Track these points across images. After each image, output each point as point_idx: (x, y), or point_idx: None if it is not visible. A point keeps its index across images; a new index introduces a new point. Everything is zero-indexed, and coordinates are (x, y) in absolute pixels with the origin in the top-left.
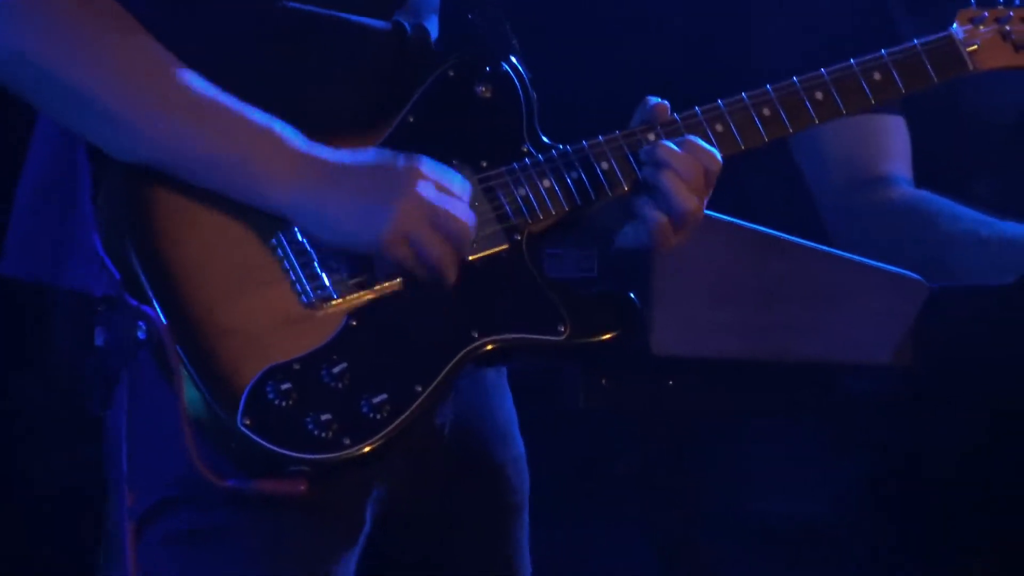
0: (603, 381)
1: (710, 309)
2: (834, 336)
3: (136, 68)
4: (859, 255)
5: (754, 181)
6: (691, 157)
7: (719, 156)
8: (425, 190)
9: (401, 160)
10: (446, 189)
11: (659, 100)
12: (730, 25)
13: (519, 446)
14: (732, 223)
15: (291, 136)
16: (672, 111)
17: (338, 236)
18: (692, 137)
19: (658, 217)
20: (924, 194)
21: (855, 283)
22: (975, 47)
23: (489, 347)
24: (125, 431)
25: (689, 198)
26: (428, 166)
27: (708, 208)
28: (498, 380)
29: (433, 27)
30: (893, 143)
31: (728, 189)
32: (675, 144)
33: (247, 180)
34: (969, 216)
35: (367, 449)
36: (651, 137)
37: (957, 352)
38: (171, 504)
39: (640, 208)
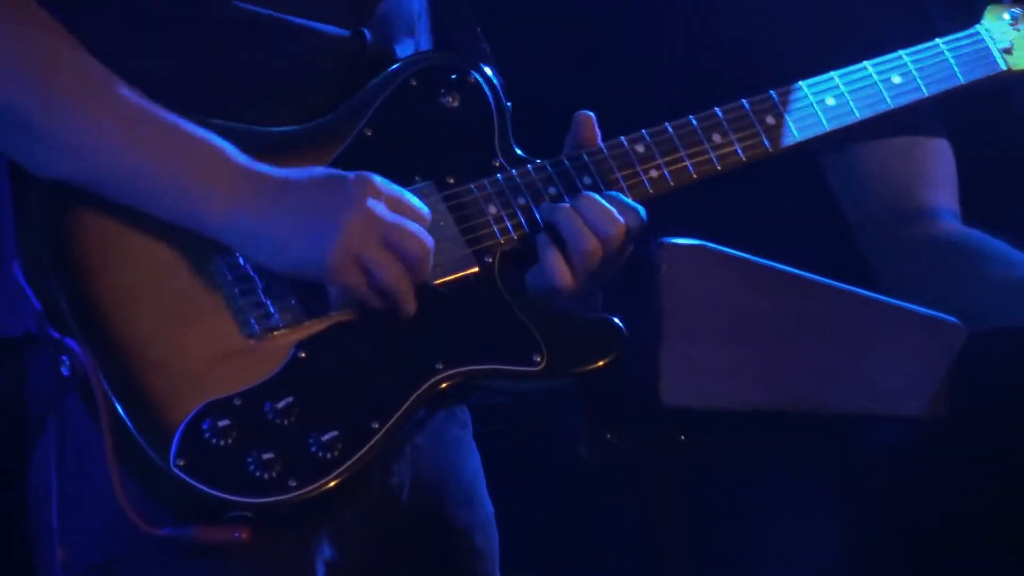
0: (608, 436)
1: (724, 354)
2: (861, 384)
3: (58, 75)
4: (897, 294)
5: (774, 210)
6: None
7: (642, 213)
8: (376, 207)
9: (351, 176)
10: (401, 204)
11: (586, 113)
12: (725, 25)
13: (486, 508)
14: (748, 259)
15: (229, 151)
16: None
17: (280, 260)
18: (615, 193)
19: (552, 255)
20: (974, 233)
21: (884, 326)
22: (1008, 45)
23: (455, 380)
24: (55, 482)
25: (587, 236)
26: (380, 181)
27: (723, 242)
28: (462, 436)
29: (406, 43)
30: (937, 169)
31: (745, 220)
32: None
33: (180, 198)
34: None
35: (316, 491)
36: (639, 148)
37: (997, 402)
38: (103, 570)
39: (541, 249)
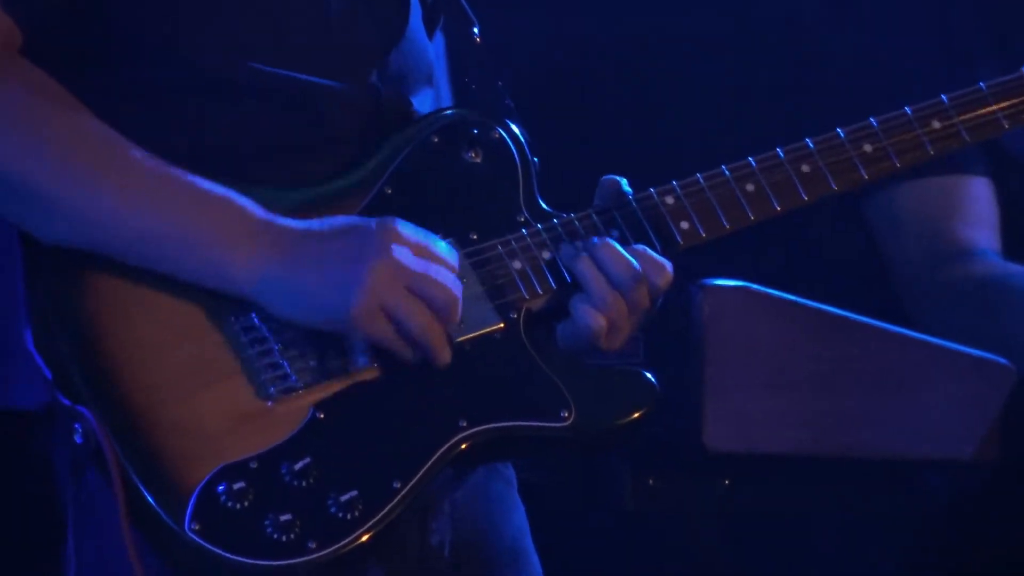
0: (651, 481)
1: (769, 399)
2: (909, 428)
3: (73, 145)
4: (939, 336)
5: (816, 253)
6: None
7: (668, 268)
8: (402, 254)
9: (374, 223)
10: (427, 252)
11: (611, 178)
12: (756, 73)
13: (533, 565)
14: (792, 301)
15: (250, 207)
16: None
17: (305, 312)
18: (641, 247)
19: (578, 306)
20: (1015, 268)
21: (932, 368)
22: None
23: (479, 438)
24: (73, 553)
25: (604, 286)
26: (405, 228)
27: (762, 280)
28: (505, 492)
29: (425, 93)
30: (977, 207)
31: (787, 263)
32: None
33: (204, 257)
34: None
35: (336, 552)
36: (668, 200)
37: None
38: None
39: (571, 304)
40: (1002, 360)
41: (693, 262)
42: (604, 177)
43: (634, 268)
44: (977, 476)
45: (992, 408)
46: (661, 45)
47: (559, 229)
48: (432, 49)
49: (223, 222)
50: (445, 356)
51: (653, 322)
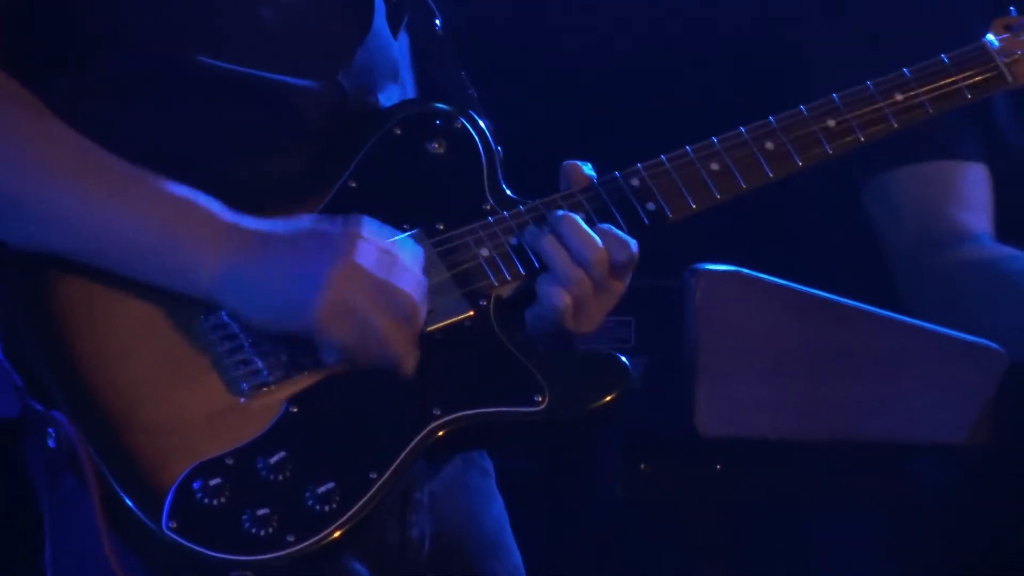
0: (642, 467)
1: (762, 384)
2: (902, 413)
3: (33, 144)
4: (933, 322)
5: (809, 238)
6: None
7: (632, 246)
8: (365, 256)
9: (338, 224)
10: (390, 253)
11: (573, 163)
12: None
13: (512, 557)
14: (784, 286)
15: (215, 208)
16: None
17: (268, 314)
18: (606, 226)
19: (543, 286)
20: (1010, 251)
21: (926, 354)
22: (1015, 58)
23: (454, 425)
24: (50, 559)
25: (567, 262)
26: (369, 228)
27: (756, 267)
28: (483, 484)
29: (391, 90)
30: (975, 193)
31: (781, 248)
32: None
33: (168, 260)
34: None
35: (315, 545)
36: (634, 182)
37: None
38: None
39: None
40: (993, 345)
41: (687, 248)
42: (566, 162)
43: (595, 242)
44: (968, 461)
45: (983, 393)
46: (633, 32)
47: (525, 215)
48: (397, 47)
49: (187, 224)
50: (410, 360)
51: (646, 307)
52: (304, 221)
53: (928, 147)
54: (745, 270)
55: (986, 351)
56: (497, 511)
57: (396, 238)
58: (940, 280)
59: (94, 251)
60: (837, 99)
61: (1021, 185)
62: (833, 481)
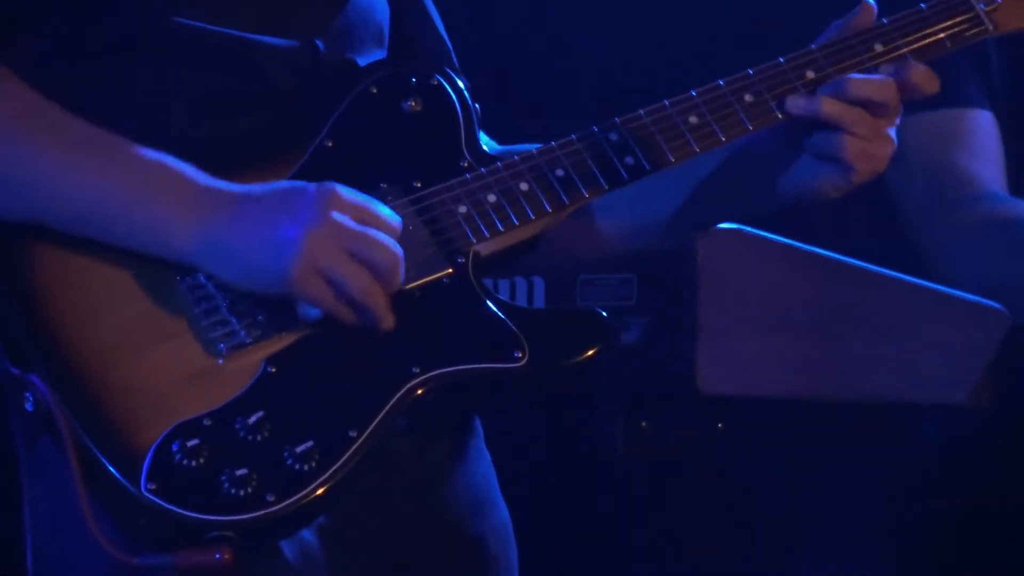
0: (643, 424)
1: (763, 341)
2: (902, 373)
3: None
4: (947, 280)
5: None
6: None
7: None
8: (341, 217)
9: (312, 187)
10: (367, 213)
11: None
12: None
13: (501, 513)
14: (787, 244)
15: (187, 171)
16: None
17: (243, 275)
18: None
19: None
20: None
21: (927, 313)
22: (994, 5)
23: (433, 383)
24: (29, 521)
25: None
26: (344, 191)
27: (762, 226)
28: (470, 441)
29: (374, 54)
30: (983, 140)
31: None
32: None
33: (141, 223)
34: None
35: (295, 504)
36: (613, 136)
37: None
38: None
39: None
40: (996, 305)
41: None
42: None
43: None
44: (969, 422)
45: (986, 354)
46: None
47: (502, 171)
48: (382, 9)
49: (161, 186)
50: (388, 320)
51: (648, 265)
52: (279, 184)
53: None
54: (748, 228)
55: (989, 311)
56: (484, 468)
57: (372, 199)
58: (953, 233)
59: (62, 215)
60: (816, 50)
61: (1006, 130)
62: (832, 441)
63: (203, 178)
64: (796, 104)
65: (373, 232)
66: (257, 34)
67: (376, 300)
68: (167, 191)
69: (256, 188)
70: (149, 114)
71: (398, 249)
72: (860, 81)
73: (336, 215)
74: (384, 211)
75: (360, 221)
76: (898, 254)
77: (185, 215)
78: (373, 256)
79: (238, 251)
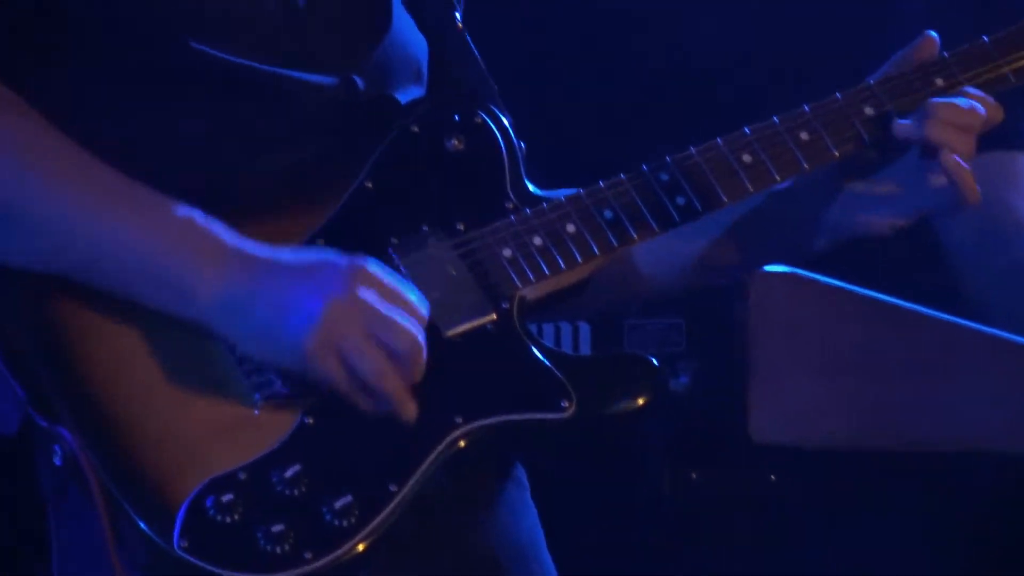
0: (693, 475)
1: (817, 388)
2: (963, 420)
3: (24, 152)
4: (999, 321)
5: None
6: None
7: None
8: (366, 293)
9: (343, 259)
10: (395, 296)
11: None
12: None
13: (545, 570)
14: (842, 288)
15: (216, 229)
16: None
17: (259, 342)
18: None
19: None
20: None
21: (985, 357)
22: None
23: (476, 435)
24: (57, 574)
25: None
26: (375, 268)
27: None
28: (517, 495)
29: (412, 91)
30: None
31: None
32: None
33: (163, 280)
34: None
35: (333, 561)
36: (663, 176)
37: None
38: None
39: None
40: None
41: None
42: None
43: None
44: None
45: None
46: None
47: (548, 214)
48: (419, 45)
49: (187, 244)
50: (407, 409)
51: (697, 309)
52: (309, 252)
53: (986, 137)
54: (801, 271)
55: None
56: (530, 523)
57: (402, 281)
58: (1005, 278)
59: (86, 267)
60: (874, 85)
61: None
62: (892, 491)
63: (231, 238)
64: (902, 128)
65: (398, 316)
66: (292, 70)
67: (390, 387)
68: (193, 250)
69: (285, 254)
70: (179, 151)
71: (421, 338)
72: (951, 106)
73: (362, 293)
74: (412, 296)
75: (386, 301)
76: (936, 292)
77: (209, 276)
78: (394, 341)
79: (257, 317)
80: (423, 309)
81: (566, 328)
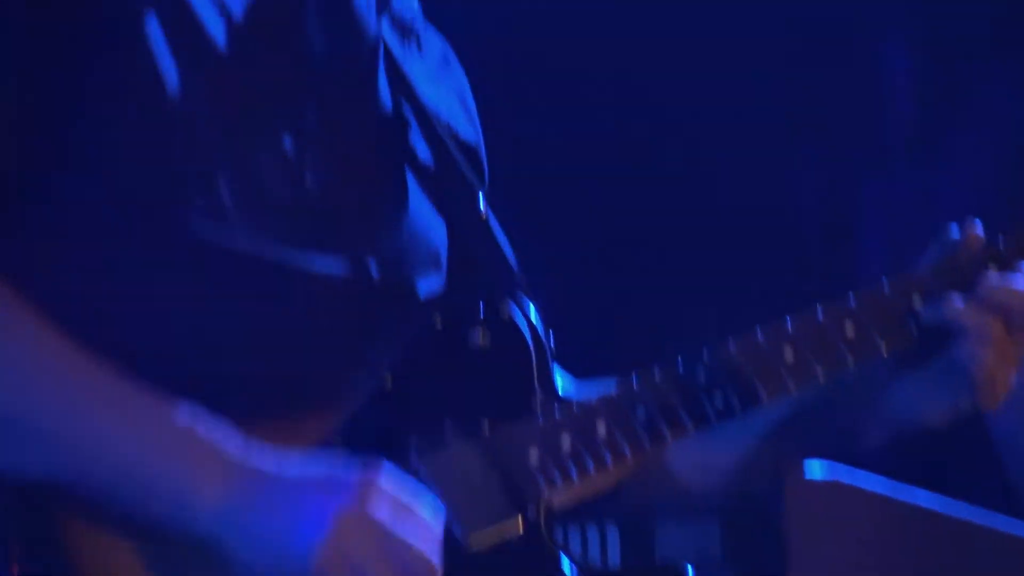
0: None
1: None
2: None
3: (23, 358)
4: None
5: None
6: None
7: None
8: (378, 508)
9: (355, 471)
10: (409, 512)
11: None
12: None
13: None
14: (887, 498)
15: (219, 440)
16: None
17: (265, 559)
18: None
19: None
20: None
21: None
22: None
23: None
24: None
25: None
26: (388, 479)
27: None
28: None
29: (432, 282)
30: None
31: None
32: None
33: (162, 496)
34: None
35: None
36: (699, 373)
37: None
38: None
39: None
40: None
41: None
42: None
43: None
44: None
45: None
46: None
47: (577, 413)
48: (439, 231)
49: (191, 454)
50: None
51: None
52: (320, 465)
53: None
54: (844, 479)
55: None
56: None
57: (417, 495)
58: None
59: (79, 474)
60: (925, 270)
61: None
62: None
63: (235, 448)
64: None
65: (412, 532)
66: (301, 254)
67: None
68: (196, 463)
69: (293, 466)
70: (179, 348)
71: (436, 560)
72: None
73: (374, 506)
74: (427, 512)
75: (400, 518)
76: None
77: (212, 491)
78: (407, 557)
79: (264, 532)
80: (439, 523)
81: (593, 532)
